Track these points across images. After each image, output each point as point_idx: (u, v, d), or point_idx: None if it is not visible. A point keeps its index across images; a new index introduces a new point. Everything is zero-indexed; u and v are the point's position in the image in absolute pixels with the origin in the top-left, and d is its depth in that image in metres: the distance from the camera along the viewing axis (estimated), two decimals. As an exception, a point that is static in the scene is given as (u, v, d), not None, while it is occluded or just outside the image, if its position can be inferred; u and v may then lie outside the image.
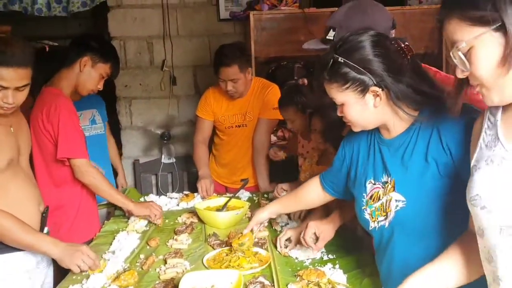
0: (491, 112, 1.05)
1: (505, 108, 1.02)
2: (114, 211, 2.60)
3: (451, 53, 0.98)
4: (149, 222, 2.28)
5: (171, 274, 1.70)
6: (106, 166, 2.83)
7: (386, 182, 1.39)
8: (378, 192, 1.41)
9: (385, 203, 1.38)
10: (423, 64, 1.42)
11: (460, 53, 0.96)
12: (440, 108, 1.24)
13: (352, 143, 1.57)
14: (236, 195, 2.52)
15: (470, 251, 1.10)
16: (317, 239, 1.76)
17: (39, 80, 2.00)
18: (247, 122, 2.88)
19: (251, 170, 2.93)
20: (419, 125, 1.33)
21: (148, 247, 2.01)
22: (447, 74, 1.64)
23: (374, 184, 1.43)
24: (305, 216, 2.15)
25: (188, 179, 3.89)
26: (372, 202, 1.42)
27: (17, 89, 1.67)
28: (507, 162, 0.97)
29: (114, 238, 2.09)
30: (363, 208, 1.45)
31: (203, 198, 2.63)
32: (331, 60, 1.32)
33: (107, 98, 3.13)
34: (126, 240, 2.05)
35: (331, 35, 1.66)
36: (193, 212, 2.37)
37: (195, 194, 2.70)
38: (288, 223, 2.19)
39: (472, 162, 1.06)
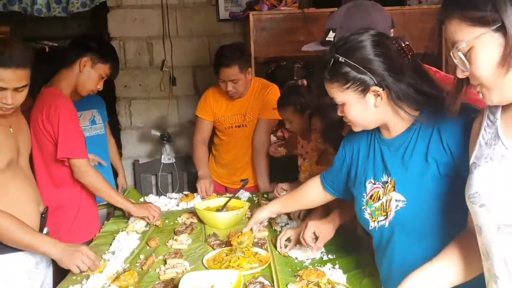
0: (491, 111, 1.05)
1: (505, 106, 1.02)
2: (114, 211, 2.59)
3: (451, 53, 0.98)
4: (149, 222, 2.28)
5: (171, 274, 1.70)
6: (106, 166, 2.82)
7: (386, 182, 1.39)
8: (378, 192, 1.41)
9: (385, 203, 1.38)
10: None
11: (460, 53, 0.96)
12: (441, 108, 1.23)
13: (352, 143, 1.57)
14: (236, 195, 2.52)
15: (469, 249, 1.10)
16: (316, 238, 1.76)
17: (38, 81, 2.00)
18: (246, 122, 2.89)
19: (251, 170, 2.93)
20: (420, 125, 1.33)
21: (148, 247, 2.01)
22: (447, 74, 1.64)
23: (374, 184, 1.43)
24: (305, 215, 2.15)
25: (188, 180, 3.88)
26: (372, 202, 1.42)
27: (16, 89, 1.66)
28: (507, 160, 0.97)
29: (114, 239, 2.09)
30: (363, 208, 1.45)
31: (203, 198, 2.62)
32: (332, 60, 1.31)
33: (107, 99, 3.13)
34: (126, 241, 2.04)
35: (330, 36, 1.66)
36: (193, 212, 2.37)
37: (195, 194, 2.69)
38: (288, 223, 2.19)
39: (471, 160, 1.06)
